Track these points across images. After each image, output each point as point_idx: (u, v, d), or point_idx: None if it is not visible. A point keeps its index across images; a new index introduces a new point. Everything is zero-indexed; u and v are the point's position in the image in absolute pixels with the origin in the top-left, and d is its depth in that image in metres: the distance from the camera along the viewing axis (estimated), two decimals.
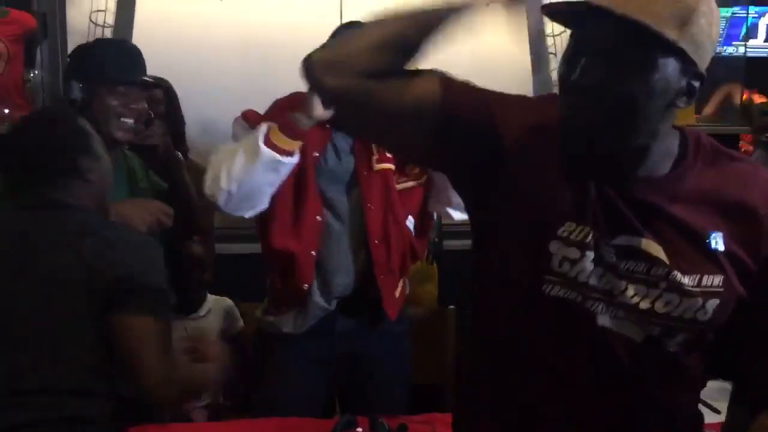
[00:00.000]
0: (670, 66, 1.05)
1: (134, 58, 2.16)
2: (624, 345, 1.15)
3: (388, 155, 2.09)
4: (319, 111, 1.90)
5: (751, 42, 4.50)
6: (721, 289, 1.14)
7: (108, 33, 3.21)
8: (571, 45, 1.10)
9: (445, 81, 1.20)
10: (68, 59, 2.24)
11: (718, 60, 4.35)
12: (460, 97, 1.19)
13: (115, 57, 2.12)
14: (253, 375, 2.29)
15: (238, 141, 2.02)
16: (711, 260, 1.14)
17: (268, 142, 1.90)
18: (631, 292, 1.14)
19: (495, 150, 1.17)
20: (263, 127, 1.93)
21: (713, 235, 1.15)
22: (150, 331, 1.54)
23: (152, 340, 1.53)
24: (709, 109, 3.99)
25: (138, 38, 3.20)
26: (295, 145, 1.93)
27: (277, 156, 1.91)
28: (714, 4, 1.07)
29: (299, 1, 3.29)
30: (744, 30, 4.65)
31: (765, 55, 4.46)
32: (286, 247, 2.04)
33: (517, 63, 3.39)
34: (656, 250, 1.14)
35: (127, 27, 3.21)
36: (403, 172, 2.13)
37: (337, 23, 3.25)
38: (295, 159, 1.95)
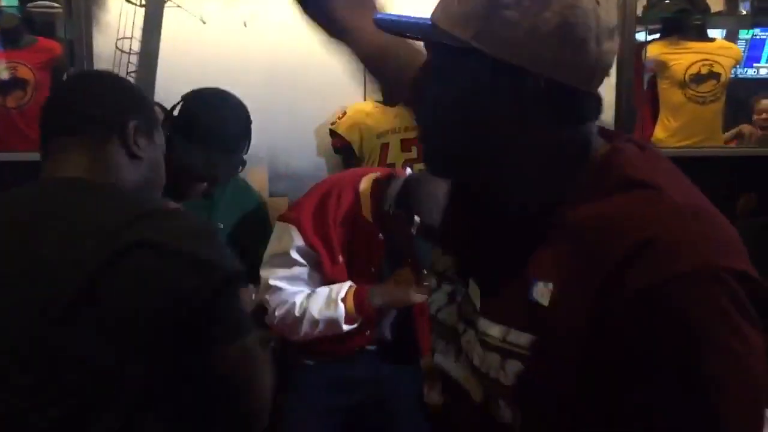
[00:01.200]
0: (476, 69, 0.88)
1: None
2: (468, 404, 0.95)
3: None
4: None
5: None
6: (526, 353, 0.87)
7: (134, 60, 3.23)
8: None
9: None
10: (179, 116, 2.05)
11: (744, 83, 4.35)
12: None
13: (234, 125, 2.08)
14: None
15: (284, 246, 2.13)
16: (526, 313, 0.87)
17: (349, 317, 2.08)
18: (466, 337, 0.95)
19: None
20: (344, 288, 2.09)
21: (538, 284, 0.87)
22: (256, 351, 1.22)
23: (260, 360, 1.23)
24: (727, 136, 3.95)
25: (163, 65, 3.23)
26: (359, 318, 2.10)
27: (354, 315, 2.09)
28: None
29: None
30: (766, 51, 4.63)
31: None
32: None
33: None
34: (474, 290, 0.97)
35: (153, 54, 3.24)
36: None
37: None
38: (354, 325, 2.11)
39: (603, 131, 0.96)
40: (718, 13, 3.87)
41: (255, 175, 3.28)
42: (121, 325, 1.09)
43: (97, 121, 1.28)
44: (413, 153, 3.11)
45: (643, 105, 3.83)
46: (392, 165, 3.13)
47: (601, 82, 0.92)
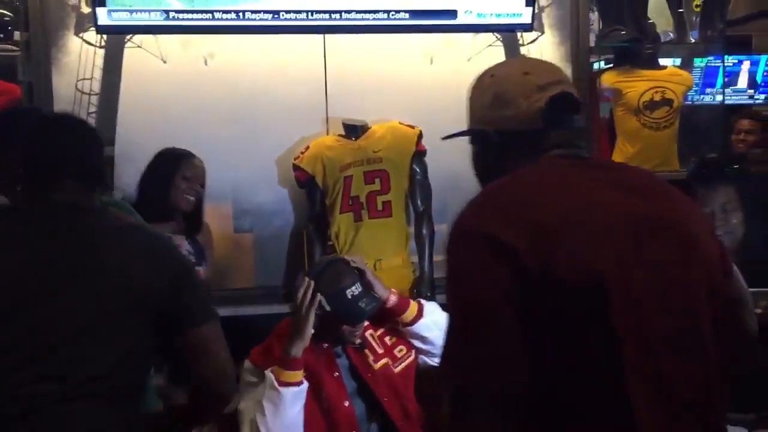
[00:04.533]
0: (474, 137, 1.43)
1: None
2: None
3: (380, 351, 2.26)
4: (297, 337, 2.09)
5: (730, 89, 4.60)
6: None
7: (94, 101, 3.24)
8: None
9: None
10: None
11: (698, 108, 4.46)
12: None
13: None
14: None
15: (251, 384, 2.16)
16: None
17: (281, 383, 2.07)
18: None
19: None
20: (270, 375, 2.09)
21: None
22: (219, 333, 1.60)
23: (222, 341, 1.60)
24: None
25: (124, 105, 3.23)
26: (300, 374, 2.09)
27: (294, 389, 2.08)
28: (487, 80, 1.39)
29: (283, 56, 3.33)
30: (720, 78, 4.77)
31: (744, 102, 4.56)
32: None
33: None
34: None
35: (114, 95, 3.24)
36: (396, 357, 2.29)
37: (321, 75, 3.34)
38: (305, 384, 2.11)
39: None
40: (670, 42, 3.98)
41: (219, 212, 3.28)
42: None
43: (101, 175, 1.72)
44: (376, 184, 3.14)
45: (601, 132, 3.91)
46: (356, 197, 3.15)
47: (546, 121, 1.31)
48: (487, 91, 1.37)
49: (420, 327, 2.26)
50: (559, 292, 1.12)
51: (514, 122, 1.33)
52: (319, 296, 2.12)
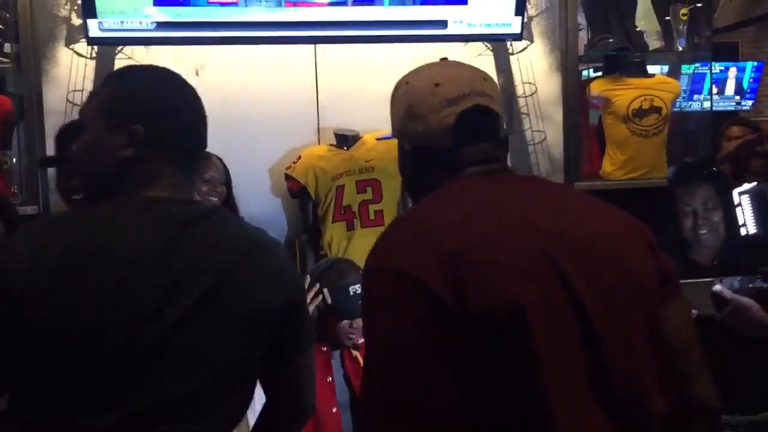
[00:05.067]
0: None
1: None
2: None
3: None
4: None
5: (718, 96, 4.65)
6: None
7: None
8: None
9: None
10: None
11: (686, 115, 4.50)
12: None
13: None
14: None
15: None
16: None
17: None
18: None
19: None
20: None
21: None
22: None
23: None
24: None
25: None
26: None
27: None
28: (402, 88, 1.32)
29: (274, 66, 3.35)
30: (707, 85, 4.82)
31: (732, 108, 4.61)
32: None
33: None
34: None
35: None
36: None
37: (312, 85, 3.35)
38: None
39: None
40: (657, 50, 4.01)
41: None
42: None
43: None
44: (368, 194, 3.16)
45: (590, 139, 3.94)
46: (348, 206, 3.16)
47: (457, 138, 1.25)
48: (401, 102, 1.31)
49: None
50: (476, 325, 1.05)
51: (424, 138, 1.27)
52: (317, 286, 2.17)
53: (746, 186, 2.41)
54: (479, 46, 3.52)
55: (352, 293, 2.17)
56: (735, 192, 2.40)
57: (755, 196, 2.32)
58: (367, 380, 1.13)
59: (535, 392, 1.06)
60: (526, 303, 1.06)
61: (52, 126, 3.18)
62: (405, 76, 1.34)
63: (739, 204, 2.36)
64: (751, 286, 1.90)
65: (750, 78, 5.78)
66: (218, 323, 1.22)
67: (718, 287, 1.89)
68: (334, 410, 2.18)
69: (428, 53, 3.50)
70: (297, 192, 3.24)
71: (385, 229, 1.22)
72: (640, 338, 1.15)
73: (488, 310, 1.05)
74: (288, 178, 3.23)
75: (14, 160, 3.48)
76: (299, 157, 3.25)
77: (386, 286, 1.12)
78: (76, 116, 3.22)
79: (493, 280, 1.07)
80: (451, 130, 1.25)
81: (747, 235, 2.33)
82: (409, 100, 1.29)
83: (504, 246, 1.11)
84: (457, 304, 1.05)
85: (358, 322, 2.19)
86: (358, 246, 3.11)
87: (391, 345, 1.09)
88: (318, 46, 3.37)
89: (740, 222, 2.36)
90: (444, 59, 1.40)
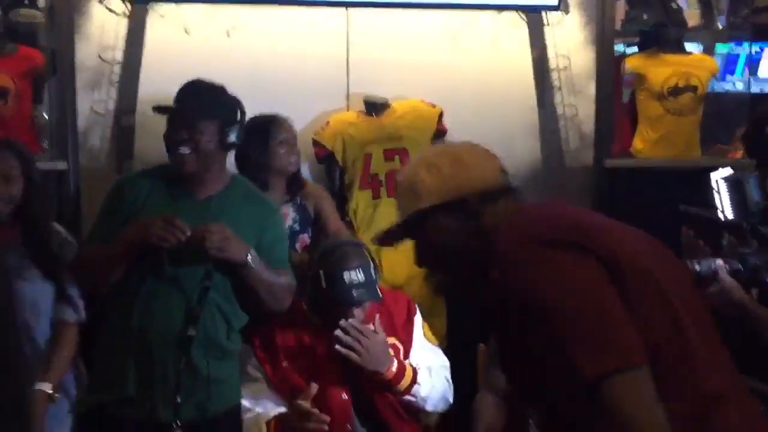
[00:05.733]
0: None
1: None
2: None
3: None
4: None
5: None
6: None
7: (117, 69, 3.23)
8: None
9: None
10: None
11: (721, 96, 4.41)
12: None
13: None
14: None
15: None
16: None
17: None
18: None
19: None
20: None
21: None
22: None
23: None
24: None
25: (146, 74, 3.23)
26: None
27: None
28: (435, 158, 1.42)
29: (306, 29, 3.32)
30: (740, 65, 4.71)
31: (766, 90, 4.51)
32: None
33: (522, 96, 3.43)
34: None
35: (136, 63, 3.24)
36: None
37: (343, 50, 3.33)
38: None
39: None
40: (695, 28, 3.93)
41: None
42: None
43: None
44: (396, 162, 3.13)
45: (622, 117, 3.88)
46: (375, 174, 3.15)
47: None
48: (405, 181, 1.42)
49: (415, 391, 2.22)
50: (622, 273, 1.21)
51: (429, 200, 1.39)
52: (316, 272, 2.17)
53: (723, 172, 2.39)
54: (513, 16, 3.46)
55: (346, 280, 2.13)
56: (712, 177, 2.37)
57: (732, 183, 2.33)
58: (569, 339, 1.17)
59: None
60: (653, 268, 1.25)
61: (83, 82, 3.20)
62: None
63: (717, 189, 2.35)
64: (728, 268, 1.95)
65: None
66: None
67: (697, 267, 1.95)
68: (345, 397, 2.19)
69: (460, 22, 3.47)
70: (324, 158, 3.23)
71: (511, 216, 1.33)
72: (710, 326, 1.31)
73: (624, 260, 1.23)
74: (315, 143, 3.22)
75: (45, 115, 3.51)
76: (327, 123, 3.23)
77: (554, 252, 1.23)
78: (107, 73, 3.23)
79: (618, 243, 1.26)
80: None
81: (725, 219, 2.32)
82: (411, 183, 1.40)
83: (609, 228, 1.32)
84: (606, 257, 1.22)
85: (354, 312, 2.16)
86: (383, 214, 3.09)
87: (586, 296, 1.19)
88: (350, 10, 3.33)
89: (718, 207, 2.35)
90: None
